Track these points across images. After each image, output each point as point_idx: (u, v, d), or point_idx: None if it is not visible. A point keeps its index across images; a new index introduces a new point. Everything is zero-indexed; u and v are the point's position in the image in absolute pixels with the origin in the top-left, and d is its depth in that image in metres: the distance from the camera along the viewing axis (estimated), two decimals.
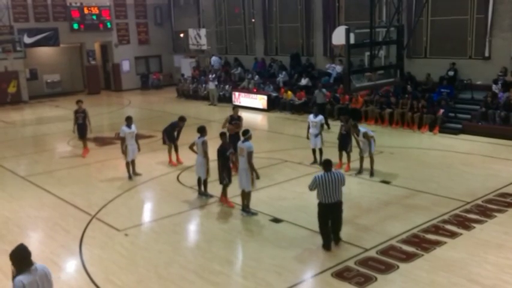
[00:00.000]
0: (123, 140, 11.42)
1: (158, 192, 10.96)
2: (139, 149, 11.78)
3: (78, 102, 14.03)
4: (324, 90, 16.86)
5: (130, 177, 11.56)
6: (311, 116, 12.03)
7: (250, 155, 8.78)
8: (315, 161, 12.01)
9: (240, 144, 9.05)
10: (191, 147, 10.22)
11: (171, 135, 12.52)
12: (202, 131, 9.94)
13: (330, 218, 7.44)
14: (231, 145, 9.72)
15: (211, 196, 10.02)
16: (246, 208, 9.11)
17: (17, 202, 10.40)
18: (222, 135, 9.60)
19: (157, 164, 12.66)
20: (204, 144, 9.81)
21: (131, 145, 11.48)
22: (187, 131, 12.63)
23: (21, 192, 11.03)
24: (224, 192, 9.59)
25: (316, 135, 11.80)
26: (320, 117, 11.97)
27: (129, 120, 11.52)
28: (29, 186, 11.47)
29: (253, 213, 9.08)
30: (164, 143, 12.74)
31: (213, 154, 9.87)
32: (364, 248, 7.53)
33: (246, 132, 9.07)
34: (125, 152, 11.44)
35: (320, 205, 7.40)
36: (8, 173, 12.70)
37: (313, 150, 12.03)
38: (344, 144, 11.43)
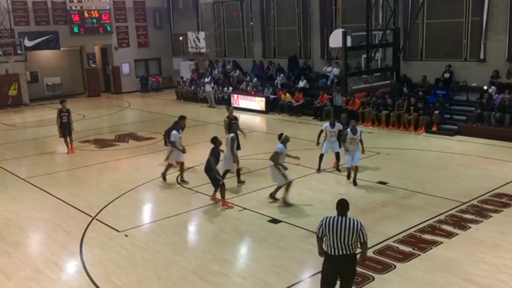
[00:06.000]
0: (173, 144, 11.15)
1: (158, 194, 11.04)
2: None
3: (62, 102, 14.71)
4: None
5: (165, 179, 11.38)
6: (328, 126, 11.42)
7: (274, 154, 9.55)
8: (319, 169, 11.70)
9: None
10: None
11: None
12: (230, 127, 11.08)
13: (337, 275, 5.65)
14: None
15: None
16: (284, 200, 9.66)
17: (17, 203, 10.48)
18: (215, 139, 9.87)
19: (158, 166, 12.74)
20: (233, 139, 10.58)
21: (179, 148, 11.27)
22: (186, 132, 12.71)
23: (22, 194, 11.12)
24: (222, 194, 9.71)
25: (333, 142, 11.47)
26: (338, 125, 11.42)
27: (177, 125, 11.50)
28: (29, 187, 11.56)
29: (289, 204, 9.59)
30: (166, 144, 12.82)
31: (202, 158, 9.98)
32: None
33: (279, 136, 9.85)
34: (169, 154, 11.26)
35: (325, 257, 5.66)
36: (9, 174, 12.80)
37: (321, 157, 11.63)
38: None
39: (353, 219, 5.50)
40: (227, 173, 10.73)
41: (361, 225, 5.47)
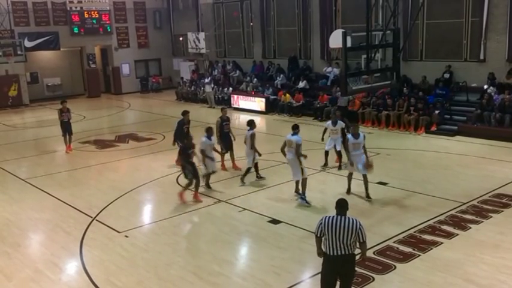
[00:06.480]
0: (203, 152, 10.60)
1: (158, 194, 11.05)
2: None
3: (63, 102, 15.12)
4: None
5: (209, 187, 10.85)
6: (329, 124, 11.80)
7: (298, 147, 9.40)
8: (325, 164, 11.94)
9: (289, 136, 9.63)
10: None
11: (181, 136, 12.47)
12: (251, 123, 10.98)
13: (336, 276, 5.59)
14: (193, 144, 10.37)
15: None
16: (302, 195, 9.59)
17: (17, 204, 10.49)
18: (187, 137, 10.50)
19: (157, 166, 12.77)
20: (252, 136, 10.72)
21: (211, 156, 10.72)
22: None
23: (22, 195, 11.12)
24: (188, 186, 10.06)
25: (336, 140, 11.65)
26: (340, 124, 11.69)
27: (209, 131, 10.74)
28: (29, 188, 11.56)
29: (307, 202, 9.50)
30: (174, 144, 12.52)
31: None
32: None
33: (296, 127, 9.75)
34: (204, 163, 10.64)
35: (324, 257, 5.59)
36: (9, 175, 12.80)
37: (326, 153, 11.88)
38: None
39: (352, 219, 5.47)
40: (249, 171, 10.98)
41: (360, 224, 5.44)
